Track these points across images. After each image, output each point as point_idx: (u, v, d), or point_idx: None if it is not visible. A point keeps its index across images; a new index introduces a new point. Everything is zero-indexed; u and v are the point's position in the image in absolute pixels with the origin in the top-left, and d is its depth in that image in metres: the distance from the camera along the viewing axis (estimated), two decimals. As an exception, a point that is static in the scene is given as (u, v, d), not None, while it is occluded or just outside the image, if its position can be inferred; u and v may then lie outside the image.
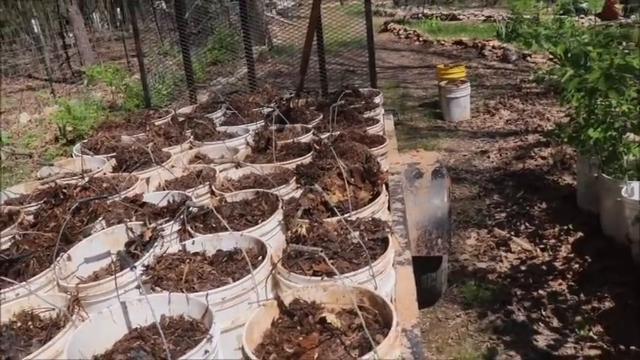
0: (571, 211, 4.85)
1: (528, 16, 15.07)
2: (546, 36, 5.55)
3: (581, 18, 14.51)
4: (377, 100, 4.48)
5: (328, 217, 2.26)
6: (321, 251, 1.75)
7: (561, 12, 18.81)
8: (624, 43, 4.66)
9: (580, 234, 4.50)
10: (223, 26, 12.86)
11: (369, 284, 1.87)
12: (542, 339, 3.49)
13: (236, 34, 11.11)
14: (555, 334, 3.51)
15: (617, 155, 4.02)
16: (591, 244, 4.34)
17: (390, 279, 2.03)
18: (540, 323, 3.63)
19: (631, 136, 4.16)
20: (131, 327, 1.78)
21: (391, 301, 1.96)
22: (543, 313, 3.71)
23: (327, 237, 2.07)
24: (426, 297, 3.81)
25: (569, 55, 4.40)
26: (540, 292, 3.91)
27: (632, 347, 3.25)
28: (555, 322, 3.62)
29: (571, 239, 4.45)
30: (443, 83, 8.31)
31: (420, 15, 23.89)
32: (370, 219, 2.23)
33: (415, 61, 13.47)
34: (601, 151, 4.21)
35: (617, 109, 3.92)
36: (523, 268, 4.23)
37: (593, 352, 3.30)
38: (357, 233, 2.09)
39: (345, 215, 2.26)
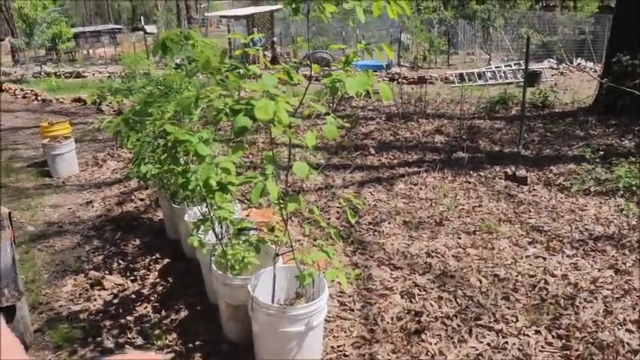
0: (161, 242, 5.47)
1: (142, 71, 16.03)
2: (117, 89, 6.19)
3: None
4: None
5: None
6: None
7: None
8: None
9: (167, 260, 5.12)
10: None
11: None
12: None
13: None
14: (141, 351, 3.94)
15: (178, 186, 4.74)
16: (175, 267, 4.99)
17: None
18: (127, 345, 4.01)
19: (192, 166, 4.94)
20: None
21: None
22: (130, 335, 4.10)
23: None
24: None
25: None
26: (128, 318, 4.31)
27: (198, 342, 3.91)
28: (140, 341, 4.03)
29: (159, 266, 5.03)
30: (46, 141, 8.26)
31: (42, 73, 23.06)
32: None
33: (30, 120, 12.90)
34: (167, 186, 4.91)
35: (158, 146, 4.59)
36: (115, 301, 4.58)
37: (170, 356, 3.83)
38: None
39: None
